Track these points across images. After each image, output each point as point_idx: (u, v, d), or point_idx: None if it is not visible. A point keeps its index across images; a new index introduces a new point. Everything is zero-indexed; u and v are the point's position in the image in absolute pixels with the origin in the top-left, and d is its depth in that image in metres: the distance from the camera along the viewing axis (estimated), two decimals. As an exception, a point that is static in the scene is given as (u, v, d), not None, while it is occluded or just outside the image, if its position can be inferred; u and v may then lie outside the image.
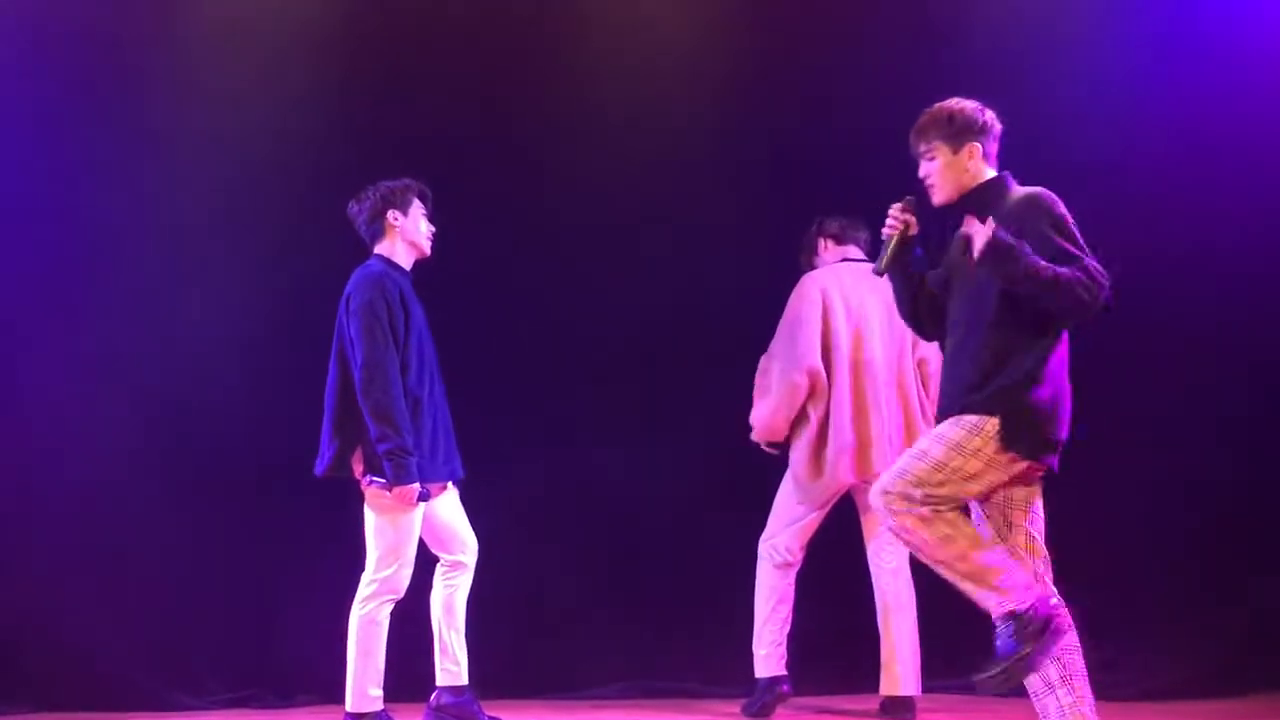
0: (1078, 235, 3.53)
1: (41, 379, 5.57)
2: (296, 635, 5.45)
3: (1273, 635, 5.58)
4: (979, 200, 3.65)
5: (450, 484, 4.73)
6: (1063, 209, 3.56)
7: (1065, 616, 3.47)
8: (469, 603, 4.75)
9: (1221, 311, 5.67)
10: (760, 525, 5.17)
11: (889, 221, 3.73)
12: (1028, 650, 3.35)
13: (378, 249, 4.72)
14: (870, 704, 5.16)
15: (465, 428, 4.76)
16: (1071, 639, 3.51)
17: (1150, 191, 5.68)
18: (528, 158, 5.93)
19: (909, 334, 4.96)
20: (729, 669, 5.45)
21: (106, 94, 5.70)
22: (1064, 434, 3.55)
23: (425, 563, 4.71)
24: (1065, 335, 3.59)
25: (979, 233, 3.44)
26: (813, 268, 5.21)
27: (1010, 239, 3.41)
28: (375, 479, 4.48)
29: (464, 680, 4.73)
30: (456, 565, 4.75)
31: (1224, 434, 5.66)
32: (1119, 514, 5.62)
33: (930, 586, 4.94)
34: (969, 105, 3.71)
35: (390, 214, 4.68)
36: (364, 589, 4.55)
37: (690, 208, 5.91)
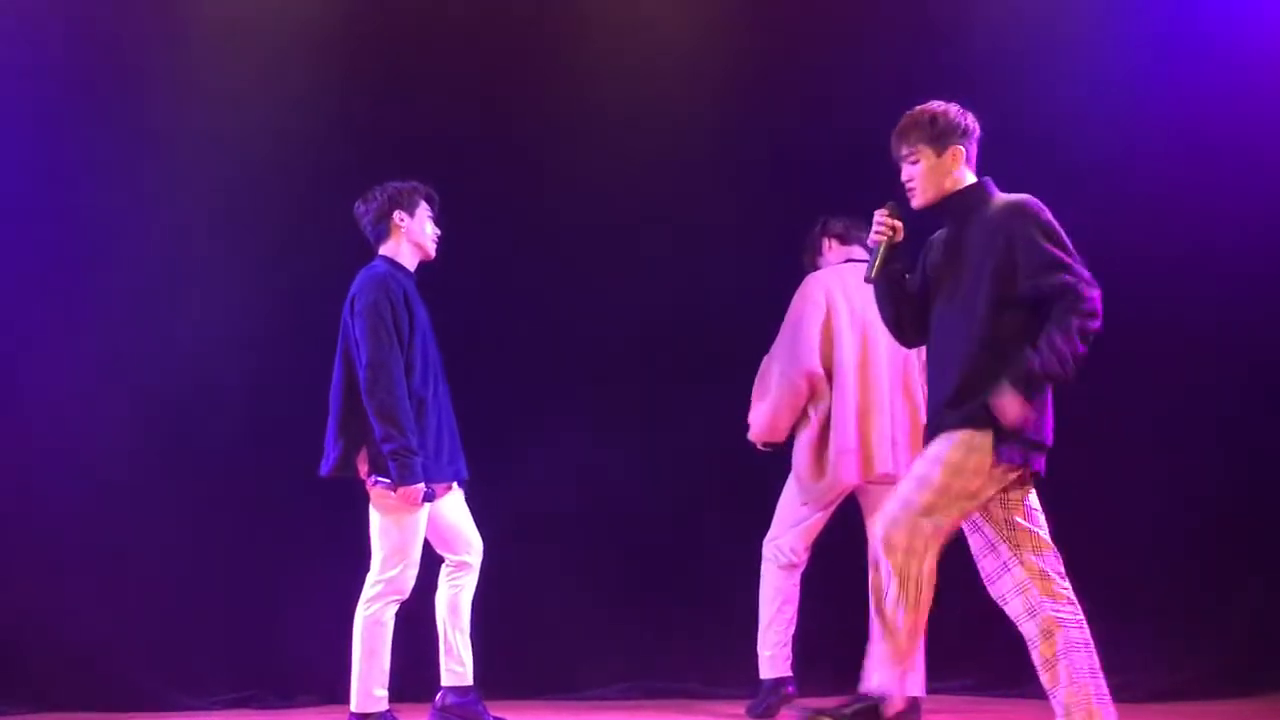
0: (1067, 241, 3.52)
1: (42, 379, 5.56)
2: (299, 635, 5.46)
3: (1274, 635, 5.60)
4: (960, 205, 3.64)
5: (455, 484, 4.73)
6: (1049, 215, 3.54)
7: (1077, 624, 3.50)
8: (473, 603, 4.75)
9: (1222, 311, 5.69)
10: (763, 525, 5.17)
11: (875, 228, 3.72)
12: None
13: (382, 250, 4.71)
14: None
15: (466, 428, 4.75)
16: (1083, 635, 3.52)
17: (1150, 192, 5.70)
18: (527, 158, 5.94)
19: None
20: (732, 670, 5.46)
21: (106, 94, 5.69)
22: (1050, 438, 3.56)
23: (430, 563, 4.71)
24: None
25: (1005, 407, 3.43)
26: (816, 268, 5.21)
27: (1021, 386, 3.41)
28: (380, 479, 4.48)
29: (469, 681, 4.73)
30: (461, 566, 4.74)
31: (1226, 434, 5.68)
32: (1121, 514, 5.64)
33: (936, 589, 4.96)
34: (952, 108, 3.70)
35: (396, 215, 4.68)
36: (369, 589, 4.55)
37: (691, 207, 5.92)
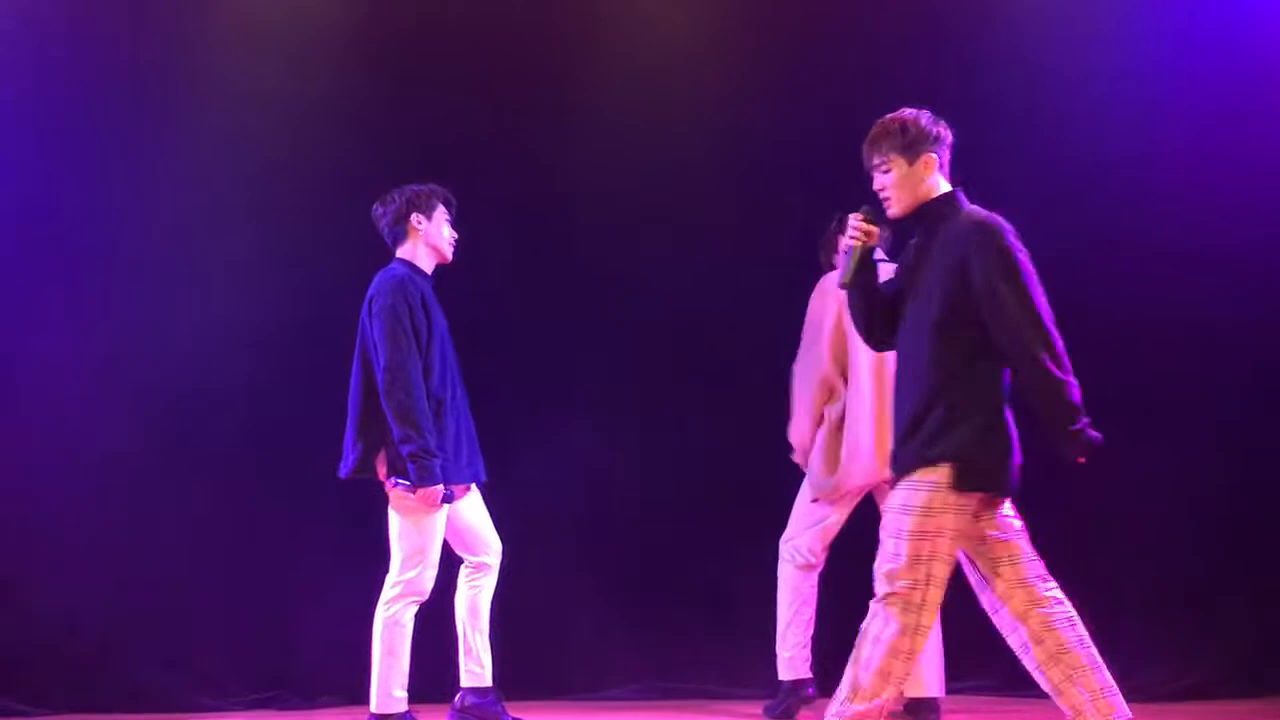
0: (1027, 280, 3.43)
1: (55, 381, 5.58)
2: (320, 637, 5.47)
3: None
4: (931, 215, 3.61)
5: (473, 486, 4.74)
6: (1013, 243, 3.47)
7: (1068, 622, 3.49)
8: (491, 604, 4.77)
9: (1242, 310, 5.66)
10: (779, 524, 5.17)
11: (850, 233, 3.67)
12: None
13: (400, 252, 4.73)
14: (894, 705, 5.14)
15: (481, 431, 4.76)
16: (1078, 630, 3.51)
17: (1164, 188, 5.67)
18: (540, 159, 5.92)
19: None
20: (750, 670, 5.45)
21: (124, 94, 5.70)
22: (1017, 454, 3.52)
23: (449, 564, 4.72)
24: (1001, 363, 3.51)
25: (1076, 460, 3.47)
26: (833, 266, 5.20)
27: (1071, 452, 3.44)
28: (399, 481, 4.50)
29: (488, 681, 4.74)
30: (480, 567, 4.76)
31: (1242, 434, 5.64)
32: (1134, 516, 5.61)
33: (952, 589, 4.95)
34: (923, 115, 3.65)
35: (414, 218, 4.69)
36: (388, 591, 4.56)
37: (700, 208, 5.90)
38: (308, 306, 5.61)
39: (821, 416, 5.02)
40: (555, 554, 5.65)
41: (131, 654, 5.51)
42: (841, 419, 4.97)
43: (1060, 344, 3.42)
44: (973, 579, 3.60)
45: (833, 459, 4.98)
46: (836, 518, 5.06)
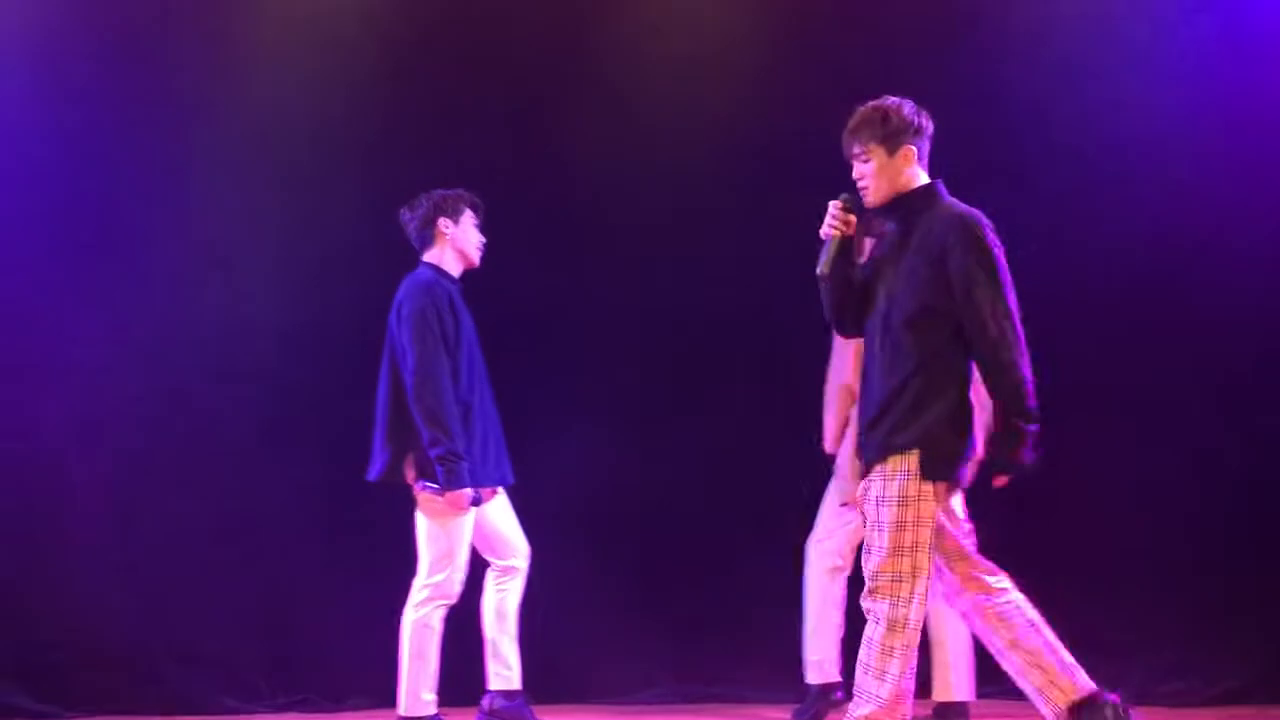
0: (1004, 281, 3.46)
1: (98, 382, 5.61)
2: (348, 639, 5.48)
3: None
4: (909, 207, 3.60)
5: (501, 489, 4.75)
6: (992, 239, 3.49)
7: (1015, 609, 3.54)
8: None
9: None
10: (806, 526, 5.15)
11: (829, 220, 3.67)
12: None
13: (427, 256, 4.75)
14: (924, 709, 5.12)
15: (506, 432, 4.78)
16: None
17: (1175, 177, 5.64)
18: (564, 160, 5.90)
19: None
20: (777, 674, 5.43)
21: (155, 97, 5.73)
22: (976, 447, 3.56)
23: (477, 566, 4.73)
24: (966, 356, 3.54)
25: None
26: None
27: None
28: (427, 484, 4.51)
29: (517, 685, 4.75)
30: (508, 570, 4.77)
31: (1268, 433, 5.59)
32: (1165, 519, 5.55)
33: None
34: (905, 106, 3.64)
35: (442, 222, 4.71)
36: (416, 594, 4.58)
37: (734, 205, 5.88)
38: (340, 311, 5.62)
39: (848, 421, 5.01)
40: (577, 556, 5.63)
41: (160, 656, 5.53)
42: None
43: (1024, 343, 3.45)
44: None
45: (859, 463, 4.96)
46: (863, 519, 5.04)
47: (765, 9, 6.04)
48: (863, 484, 3.60)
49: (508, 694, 4.74)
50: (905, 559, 3.45)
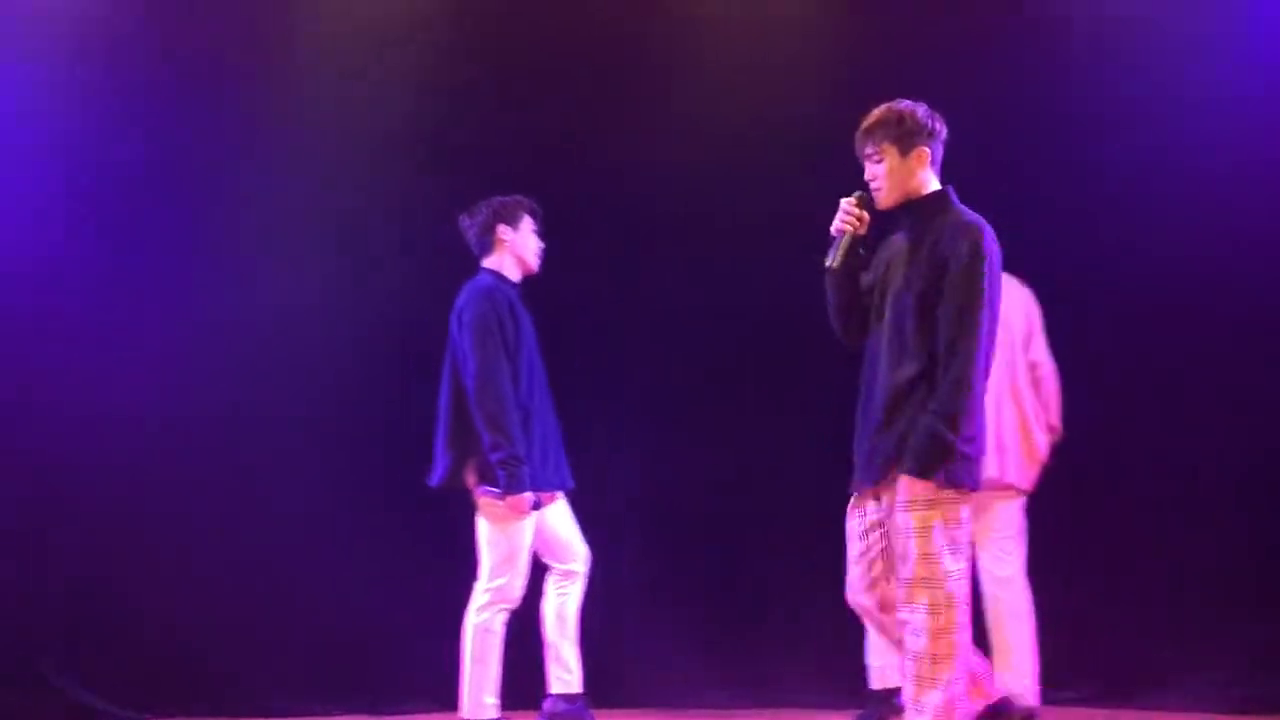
0: (991, 293, 3.45)
1: (160, 394, 5.69)
2: (411, 643, 5.52)
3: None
4: (919, 212, 3.59)
5: (561, 493, 4.77)
6: (990, 248, 3.48)
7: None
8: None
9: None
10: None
11: (841, 216, 3.65)
12: None
13: (486, 262, 4.78)
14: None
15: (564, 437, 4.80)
16: None
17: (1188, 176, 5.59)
18: (621, 165, 5.90)
19: (1021, 335, 4.90)
20: (838, 680, 5.40)
21: (208, 100, 5.80)
22: (982, 448, 3.54)
23: (537, 571, 4.75)
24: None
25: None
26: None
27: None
28: (488, 488, 4.54)
29: (578, 688, 4.77)
30: (568, 574, 4.79)
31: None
32: (1192, 520, 5.49)
33: (1044, 594, 4.89)
34: (920, 108, 3.63)
35: (500, 228, 4.75)
36: (478, 598, 4.61)
37: (780, 207, 5.85)
38: (403, 315, 5.66)
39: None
40: (632, 561, 5.65)
41: (220, 659, 5.58)
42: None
43: (979, 364, 3.43)
44: (877, 567, 3.60)
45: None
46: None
47: (825, 8, 6.01)
48: (884, 496, 3.57)
49: (569, 697, 4.76)
50: (937, 565, 3.43)
